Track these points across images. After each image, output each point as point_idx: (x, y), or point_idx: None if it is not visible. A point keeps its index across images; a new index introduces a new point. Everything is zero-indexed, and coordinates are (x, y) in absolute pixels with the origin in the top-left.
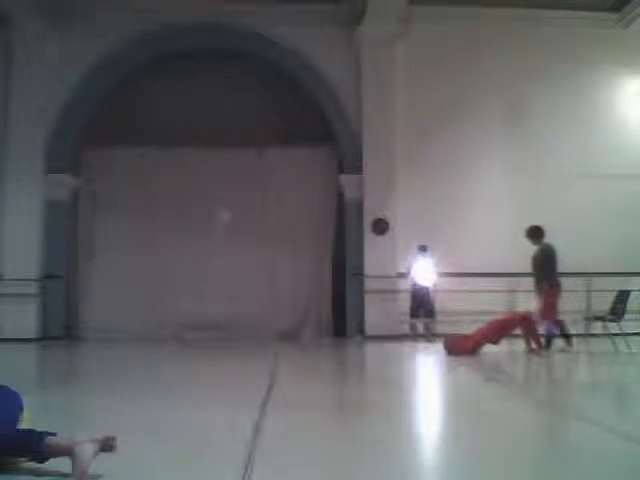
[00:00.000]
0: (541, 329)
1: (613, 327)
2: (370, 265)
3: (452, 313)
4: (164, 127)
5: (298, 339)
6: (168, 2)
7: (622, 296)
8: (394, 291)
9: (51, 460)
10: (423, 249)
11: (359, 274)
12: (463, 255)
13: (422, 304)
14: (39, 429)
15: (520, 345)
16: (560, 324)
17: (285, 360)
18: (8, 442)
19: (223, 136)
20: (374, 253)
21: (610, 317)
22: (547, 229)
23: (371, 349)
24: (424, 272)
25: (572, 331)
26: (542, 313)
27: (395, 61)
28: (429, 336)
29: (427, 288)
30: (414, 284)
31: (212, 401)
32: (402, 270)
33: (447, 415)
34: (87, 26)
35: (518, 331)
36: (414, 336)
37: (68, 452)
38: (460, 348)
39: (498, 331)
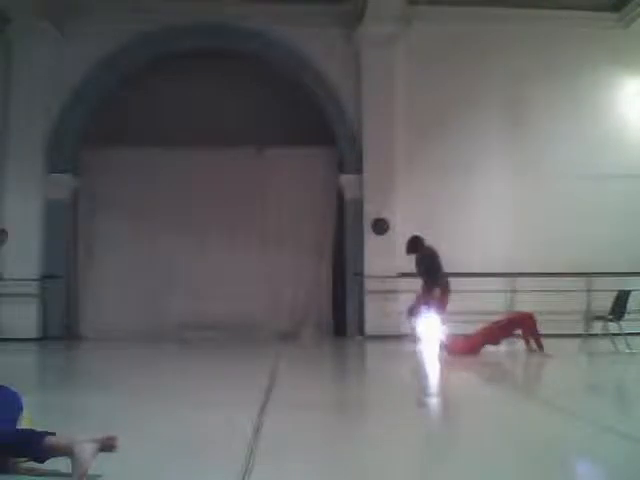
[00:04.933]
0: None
1: (613, 327)
2: (370, 265)
3: (452, 313)
4: (164, 127)
5: (298, 339)
6: (168, 2)
7: (622, 296)
8: (394, 291)
9: (51, 460)
10: None
11: (359, 274)
12: (463, 255)
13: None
14: (39, 429)
15: (521, 345)
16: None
17: (285, 360)
18: (8, 442)
19: (223, 136)
20: (374, 253)
21: (610, 317)
22: (547, 229)
23: (371, 349)
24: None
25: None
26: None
27: (395, 61)
28: None
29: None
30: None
31: (212, 401)
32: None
33: (447, 415)
34: (87, 26)
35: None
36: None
37: (68, 452)
38: (461, 348)
39: (499, 332)
